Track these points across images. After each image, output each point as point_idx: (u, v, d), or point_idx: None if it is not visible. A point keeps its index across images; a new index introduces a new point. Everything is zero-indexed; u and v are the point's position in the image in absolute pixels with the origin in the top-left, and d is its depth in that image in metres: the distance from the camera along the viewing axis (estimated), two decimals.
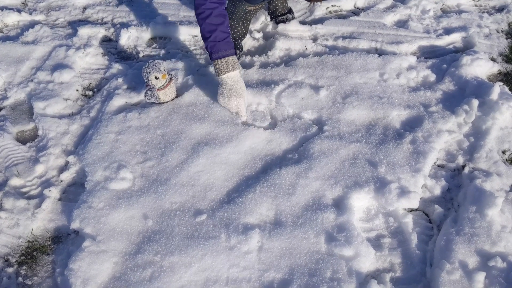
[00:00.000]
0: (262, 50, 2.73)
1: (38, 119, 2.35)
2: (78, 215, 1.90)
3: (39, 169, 2.13)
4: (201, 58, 2.68)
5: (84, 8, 3.13)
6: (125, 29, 2.83)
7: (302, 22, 2.88)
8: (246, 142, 2.14)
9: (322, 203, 1.89)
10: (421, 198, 1.94)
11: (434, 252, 1.77)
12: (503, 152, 2.10)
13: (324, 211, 1.86)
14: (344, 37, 2.71)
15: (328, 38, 2.72)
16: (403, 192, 1.89)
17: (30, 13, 3.07)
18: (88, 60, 2.71)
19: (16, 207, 1.98)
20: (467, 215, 1.83)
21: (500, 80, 2.44)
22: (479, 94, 2.27)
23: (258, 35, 2.79)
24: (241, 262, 1.74)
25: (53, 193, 2.03)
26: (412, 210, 1.93)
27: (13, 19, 3.03)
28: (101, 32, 2.88)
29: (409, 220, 1.85)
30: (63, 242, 1.91)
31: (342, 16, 2.96)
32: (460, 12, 2.91)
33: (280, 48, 2.66)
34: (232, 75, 2.18)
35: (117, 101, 2.40)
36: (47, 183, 2.09)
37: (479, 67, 2.45)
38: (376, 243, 1.82)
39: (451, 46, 2.67)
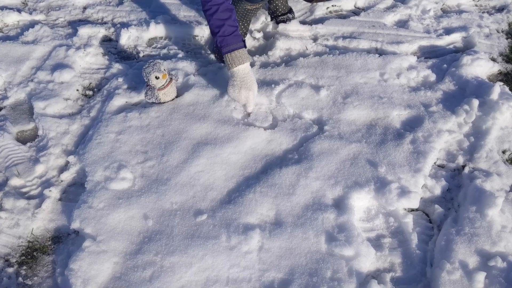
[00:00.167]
0: (263, 50, 2.73)
1: (38, 119, 2.35)
2: (78, 215, 1.90)
3: (39, 169, 2.13)
4: (201, 58, 2.68)
5: (84, 8, 3.12)
6: (125, 28, 2.83)
7: (303, 22, 2.88)
8: (246, 142, 2.14)
9: (323, 203, 1.89)
10: (421, 198, 1.94)
11: (434, 252, 1.77)
12: (503, 152, 2.10)
13: (324, 211, 1.86)
14: (344, 37, 2.71)
15: (329, 38, 2.72)
16: (404, 192, 1.89)
17: (30, 13, 3.07)
18: (88, 60, 2.71)
19: (16, 207, 1.98)
20: (467, 215, 1.83)
21: (500, 80, 2.44)
22: (479, 94, 2.27)
23: (259, 35, 2.79)
24: (242, 262, 1.74)
25: (53, 193, 2.03)
26: (412, 210, 1.93)
27: (13, 19, 3.03)
28: (101, 32, 2.88)
29: (409, 220, 1.86)
30: (63, 242, 1.91)
31: (342, 16, 2.96)
32: (460, 12, 2.91)
33: (280, 48, 2.66)
34: (243, 68, 2.20)
35: (118, 101, 2.39)
36: (47, 183, 2.08)
37: (479, 67, 2.45)
38: (376, 243, 1.82)
39: (451, 46, 2.67)
